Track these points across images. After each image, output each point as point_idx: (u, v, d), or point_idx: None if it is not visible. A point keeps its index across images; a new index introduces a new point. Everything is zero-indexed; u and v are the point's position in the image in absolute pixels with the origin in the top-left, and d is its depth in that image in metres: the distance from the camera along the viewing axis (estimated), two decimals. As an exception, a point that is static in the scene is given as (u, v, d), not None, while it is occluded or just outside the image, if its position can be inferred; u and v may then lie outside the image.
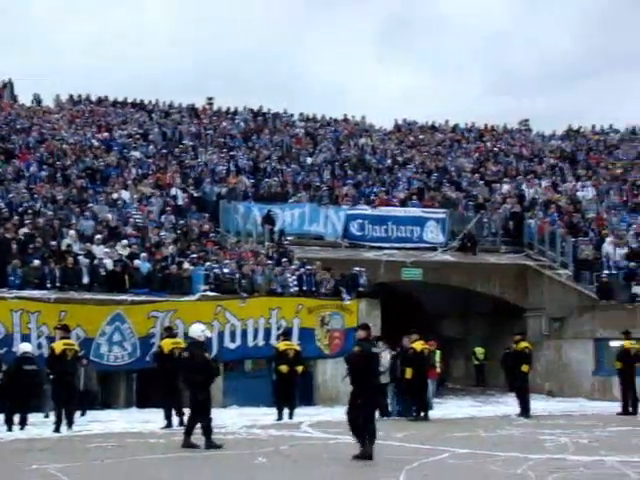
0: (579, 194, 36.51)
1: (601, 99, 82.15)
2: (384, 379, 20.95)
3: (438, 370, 23.11)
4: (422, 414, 20.31)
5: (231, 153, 36.54)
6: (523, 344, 22.08)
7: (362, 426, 13.44)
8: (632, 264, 29.36)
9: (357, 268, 27.15)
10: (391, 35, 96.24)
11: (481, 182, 37.20)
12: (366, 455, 13.22)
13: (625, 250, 30.40)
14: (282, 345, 21.20)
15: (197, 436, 14.43)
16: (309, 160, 37.37)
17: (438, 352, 23.08)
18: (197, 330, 15.19)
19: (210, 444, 14.27)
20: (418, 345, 20.68)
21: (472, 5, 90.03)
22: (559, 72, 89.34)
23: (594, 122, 47.16)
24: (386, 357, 21.13)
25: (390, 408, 21.22)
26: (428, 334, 23.03)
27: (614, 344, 25.36)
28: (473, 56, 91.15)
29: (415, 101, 74.14)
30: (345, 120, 44.69)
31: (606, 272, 29.13)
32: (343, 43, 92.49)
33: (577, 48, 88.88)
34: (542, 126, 47.27)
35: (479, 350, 33.37)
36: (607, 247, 30.59)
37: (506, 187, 36.61)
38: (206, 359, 14.94)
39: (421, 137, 43.52)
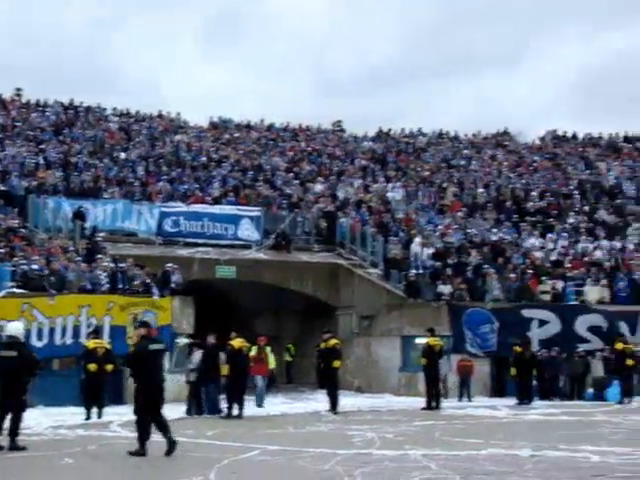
0: (389, 195, 37.42)
1: (412, 103, 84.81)
2: (193, 377, 21.02)
3: (270, 367, 23.40)
4: (238, 412, 20.34)
5: (41, 146, 35.45)
6: (333, 341, 22.54)
7: (153, 425, 13.44)
8: (438, 264, 30.39)
9: (170, 265, 26.96)
10: (215, 33, 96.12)
11: (295, 181, 37.63)
12: (142, 453, 13.27)
13: (432, 250, 31.40)
14: (91, 343, 20.85)
15: (0, 437, 13.96)
16: (122, 155, 36.72)
17: (269, 349, 23.30)
18: (19, 328, 14.95)
19: (14, 446, 13.84)
20: (236, 343, 20.76)
21: (298, 6, 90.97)
22: (377, 75, 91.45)
23: (406, 125, 48.66)
24: (197, 355, 21.19)
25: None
26: (244, 330, 23.15)
27: (419, 341, 26.12)
28: (296, 56, 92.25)
29: (237, 100, 74.28)
30: (160, 116, 44.18)
31: (414, 271, 29.82)
32: (164, 40, 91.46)
33: (393, 53, 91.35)
34: (356, 128, 48.24)
35: (291, 347, 33.81)
36: (415, 247, 31.46)
37: (319, 186, 37.18)
38: (35, 358, 14.73)
39: (236, 135, 43.60)
